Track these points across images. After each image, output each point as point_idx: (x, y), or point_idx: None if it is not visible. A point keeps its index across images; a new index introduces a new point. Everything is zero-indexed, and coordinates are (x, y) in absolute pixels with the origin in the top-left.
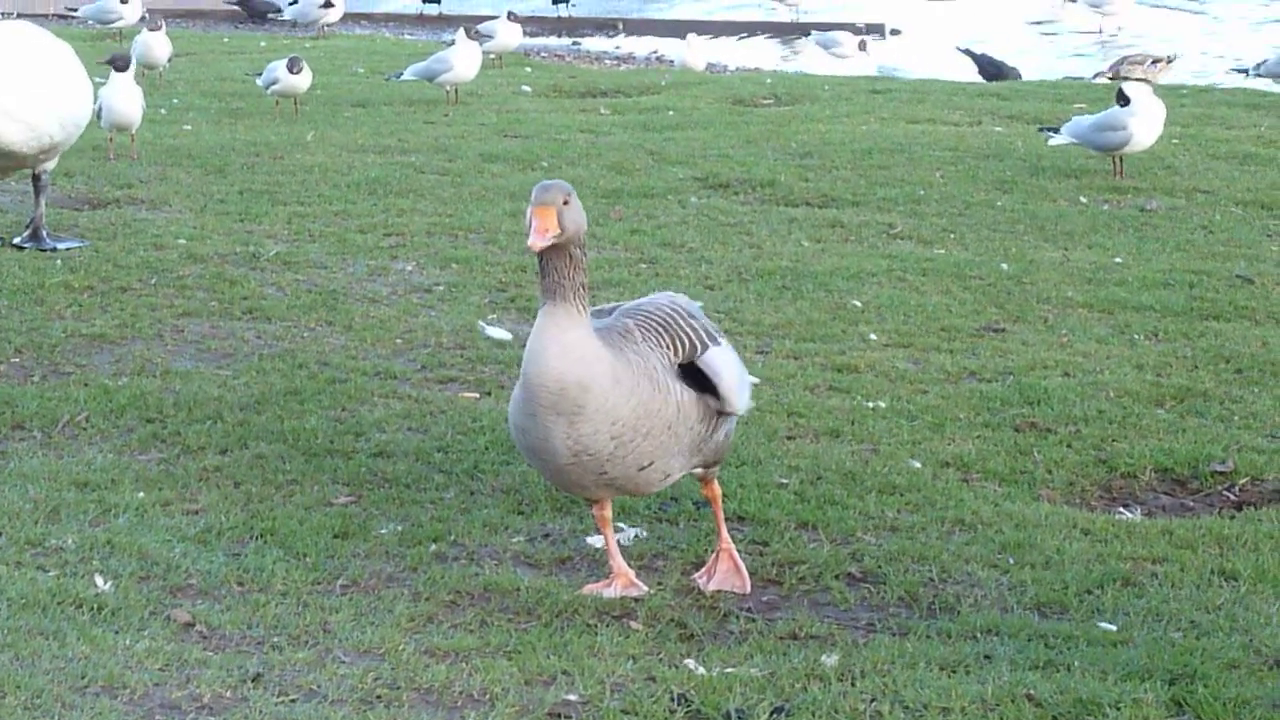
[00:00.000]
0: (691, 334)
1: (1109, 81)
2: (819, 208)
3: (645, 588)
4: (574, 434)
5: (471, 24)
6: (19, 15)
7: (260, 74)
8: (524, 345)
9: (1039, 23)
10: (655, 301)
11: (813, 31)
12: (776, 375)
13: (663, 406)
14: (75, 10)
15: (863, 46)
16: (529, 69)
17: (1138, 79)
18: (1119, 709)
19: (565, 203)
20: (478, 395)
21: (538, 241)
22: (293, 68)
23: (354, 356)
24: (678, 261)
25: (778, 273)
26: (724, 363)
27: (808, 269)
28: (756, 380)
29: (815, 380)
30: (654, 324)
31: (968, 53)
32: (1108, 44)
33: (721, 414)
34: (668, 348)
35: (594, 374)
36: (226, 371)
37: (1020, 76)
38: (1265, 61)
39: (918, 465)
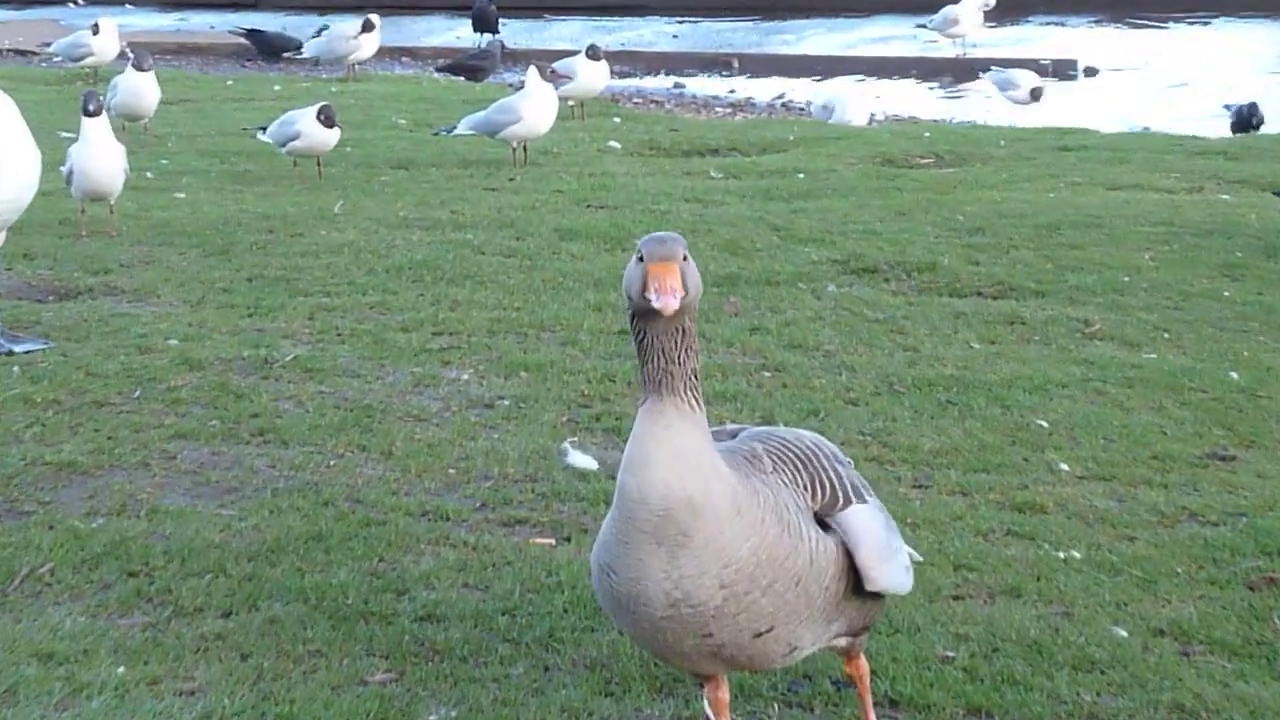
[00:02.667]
0: (835, 481)
1: None
2: (993, 299)
3: None
4: (674, 573)
5: (544, 61)
6: None
7: (266, 127)
8: (613, 476)
9: None
10: (796, 432)
11: (992, 68)
12: (939, 516)
13: (792, 555)
14: (49, 45)
15: (1046, 73)
16: (618, 119)
17: None
18: None
19: (684, 258)
20: (554, 542)
21: (671, 302)
22: (324, 117)
23: (395, 492)
24: (810, 368)
25: (940, 383)
26: (867, 524)
27: (978, 378)
28: (920, 557)
29: (989, 523)
30: (790, 455)
31: (1230, 108)
32: None
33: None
34: (804, 488)
35: (708, 493)
36: (231, 510)
37: (1261, 115)
38: None
39: (1123, 634)
